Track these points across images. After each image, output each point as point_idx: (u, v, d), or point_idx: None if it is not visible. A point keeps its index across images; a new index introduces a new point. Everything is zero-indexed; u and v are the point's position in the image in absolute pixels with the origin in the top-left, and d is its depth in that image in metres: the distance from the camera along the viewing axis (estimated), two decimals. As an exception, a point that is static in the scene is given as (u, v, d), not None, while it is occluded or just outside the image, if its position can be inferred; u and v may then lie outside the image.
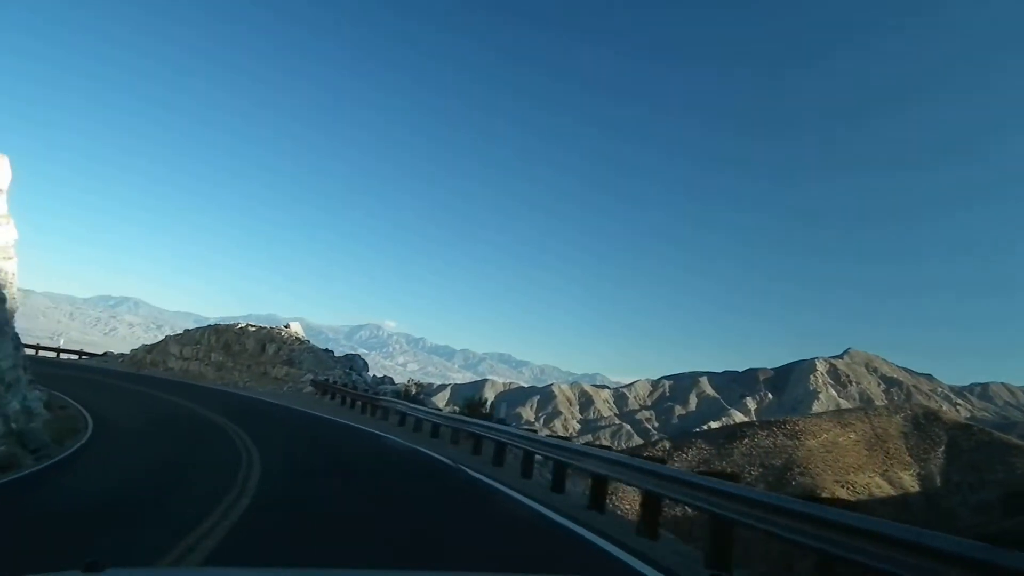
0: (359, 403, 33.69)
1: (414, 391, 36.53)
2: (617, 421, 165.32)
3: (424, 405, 33.50)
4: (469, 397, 38.28)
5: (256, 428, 20.97)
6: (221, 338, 50.32)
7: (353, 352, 49.54)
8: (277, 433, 22.02)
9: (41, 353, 59.72)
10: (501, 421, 27.34)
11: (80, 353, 59.36)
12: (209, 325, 52.51)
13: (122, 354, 57.69)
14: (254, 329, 49.54)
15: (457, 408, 38.68)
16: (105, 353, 59.49)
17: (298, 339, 48.33)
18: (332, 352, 48.19)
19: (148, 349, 55.37)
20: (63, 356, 58.83)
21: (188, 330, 54.58)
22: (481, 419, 24.03)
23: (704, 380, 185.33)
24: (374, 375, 46.80)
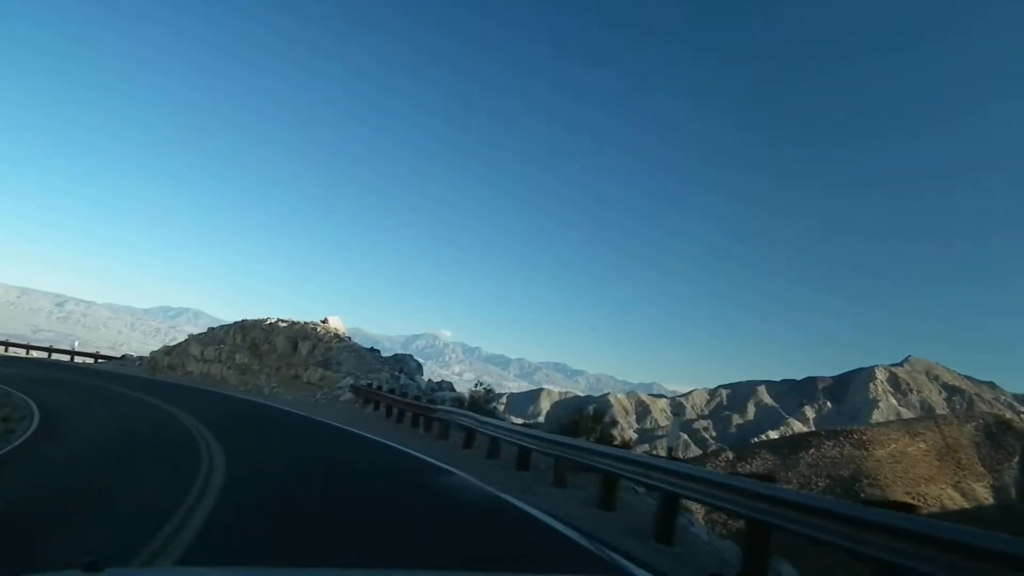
0: (409, 414, 25.22)
1: (481, 397, 27.75)
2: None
3: (497, 417, 24.80)
4: (580, 409, 29.27)
5: (242, 445, 15.34)
6: (247, 336, 42.35)
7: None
8: (270, 451, 15.02)
9: (54, 356, 52.82)
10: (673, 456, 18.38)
11: (96, 356, 52.08)
12: (236, 322, 44.59)
13: (141, 357, 50.24)
14: (285, 325, 41.43)
15: (531, 420, 29.83)
16: (123, 356, 52.13)
17: (337, 336, 40.09)
18: (378, 352, 39.82)
19: (167, 351, 47.72)
20: (77, 360, 51.66)
21: (212, 328, 46.80)
22: (604, 445, 15.18)
23: (762, 389, 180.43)
24: (429, 379, 38.28)
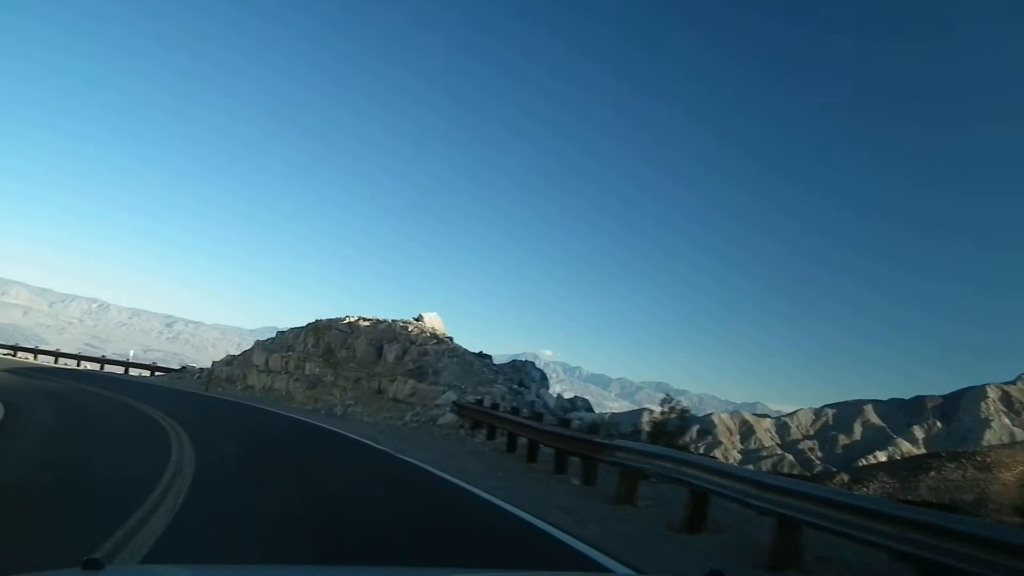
0: (548, 450, 15.06)
1: (672, 426, 16.96)
2: (779, 451, 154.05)
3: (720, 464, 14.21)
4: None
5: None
6: (321, 340, 32.89)
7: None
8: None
9: (107, 368, 44.88)
10: None
11: (153, 368, 43.75)
12: (308, 324, 35.26)
13: (202, 370, 41.59)
14: (367, 324, 31.75)
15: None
16: (183, 368, 43.56)
17: (435, 337, 30.09)
18: (489, 358, 29.59)
19: (228, 361, 38.84)
20: (132, 372, 43.53)
21: (282, 332, 37.61)
22: None
23: (869, 408, 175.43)
24: (559, 394, 27.89)
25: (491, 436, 20.33)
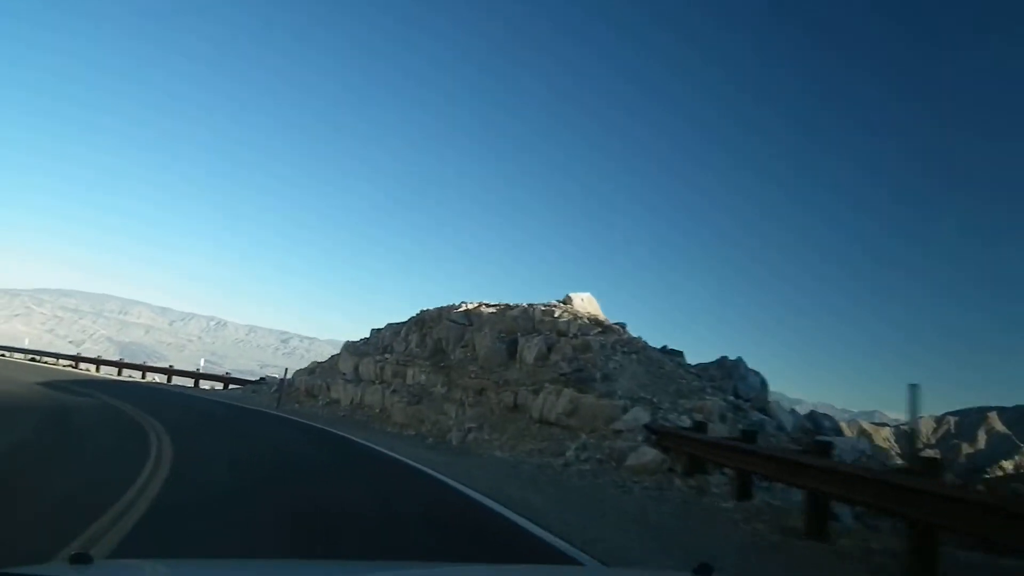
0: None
1: None
2: (899, 461, 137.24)
3: None
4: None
5: None
6: (428, 337, 23.80)
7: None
8: None
9: (175, 379, 37.31)
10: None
11: (226, 380, 35.72)
12: (411, 317, 26.23)
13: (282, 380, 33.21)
14: (492, 312, 22.26)
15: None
16: (262, 380, 35.29)
17: (597, 324, 20.28)
18: (681, 354, 19.63)
19: (311, 369, 30.30)
20: (203, 384, 35.74)
21: (376, 330, 28.72)
22: None
23: (993, 415, 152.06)
24: (793, 409, 17.79)
25: (745, 495, 10.55)
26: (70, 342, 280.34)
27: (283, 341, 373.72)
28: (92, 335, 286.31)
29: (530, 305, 21.46)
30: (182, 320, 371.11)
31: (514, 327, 20.83)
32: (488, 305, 22.69)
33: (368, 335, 29.29)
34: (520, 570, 4.92)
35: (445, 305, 24.21)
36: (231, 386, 34.72)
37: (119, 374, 37.96)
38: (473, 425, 17.58)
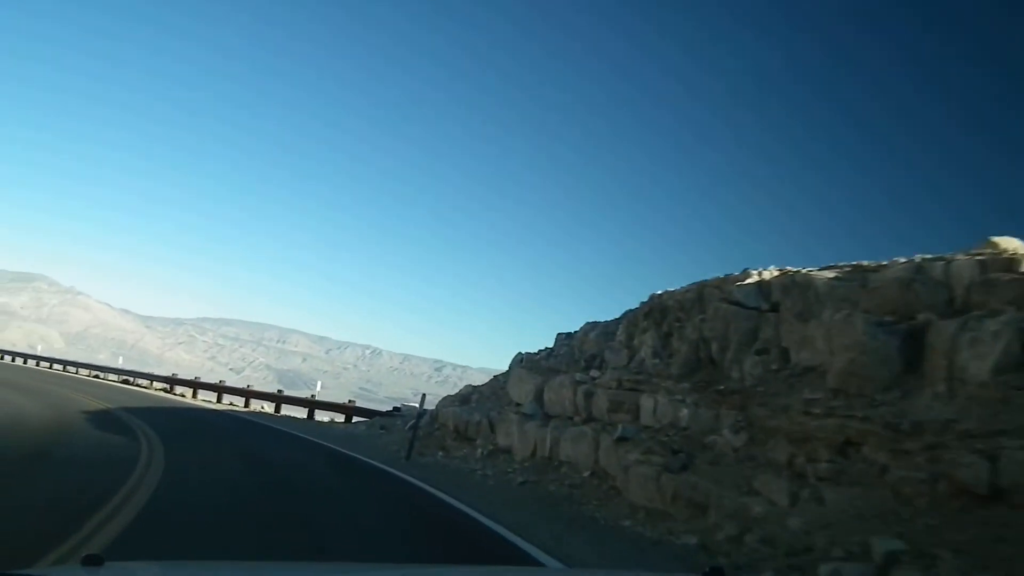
0: None
1: None
2: None
3: None
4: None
5: None
6: (677, 336, 12.74)
7: None
8: None
9: (257, 405, 28.19)
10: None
11: (349, 410, 25.81)
12: (637, 307, 15.34)
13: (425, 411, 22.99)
14: (833, 276, 10.77)
15: None
16: (397, 409, 25.11)
17: None
18: None
19: (464, 396, 20.01)
20: (322, 417, 26.22)
21: (568, 335, 18.01)
22: None
23: None
24: None
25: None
26: (230, 369, 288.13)
27: (436, 369, 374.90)
28: (251, 363, 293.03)
29: (924, 259, 9.88)
30: (338, 348, 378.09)
31: (900, 303, 9.41)
32: (820, 270, 11.19)
33: (552, 344, 18.66)
34: (506, 571, 5.20)
35: (718, 277, 12.97)
36: (355, 419, 24.92)
37: (219, 400, 29.20)
38: (855, 535, 6.33)
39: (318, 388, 29.41)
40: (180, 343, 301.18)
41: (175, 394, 30.92)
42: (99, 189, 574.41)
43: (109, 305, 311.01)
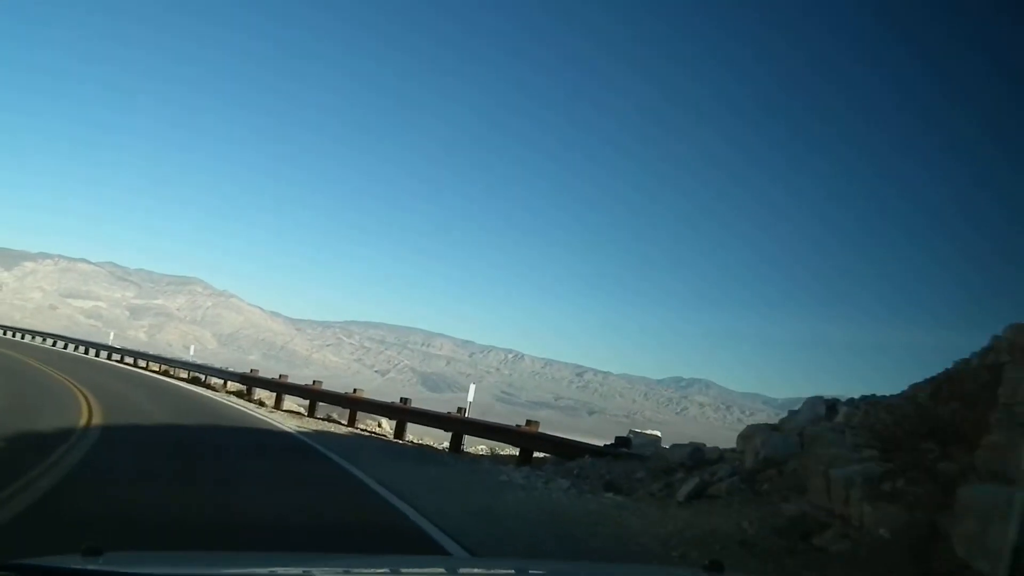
0: None
1: None
2: None
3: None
4: None
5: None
6: None
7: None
8: None
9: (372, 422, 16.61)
10: None
11: (529, 437, 13.99)
12: None
13: (697, 448, 10.81)
14: None
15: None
16: (627, 439, 12.98)
17: None
18: None
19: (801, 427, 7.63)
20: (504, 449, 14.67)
21: None
22: None
23: None
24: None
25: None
26: (376, 371, 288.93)
27: (577, 375, 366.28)
28: (396, 365, 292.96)
29: None
30: (481, 352, 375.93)
31: None
32: None
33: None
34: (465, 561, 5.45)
35: None
36: (534, 453, 13.15)
37: (311, 411, 18.36)
38: None
39: (470, 397, 17.47)
40: (328, 345, 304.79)
41: (252, 400, 20.55)
42: (252, 196, 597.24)
43: (261, 308, 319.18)
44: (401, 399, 17.31)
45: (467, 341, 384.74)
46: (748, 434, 9.44)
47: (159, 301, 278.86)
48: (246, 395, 21.83)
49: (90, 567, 2.07)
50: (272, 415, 17.64)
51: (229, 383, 24.19)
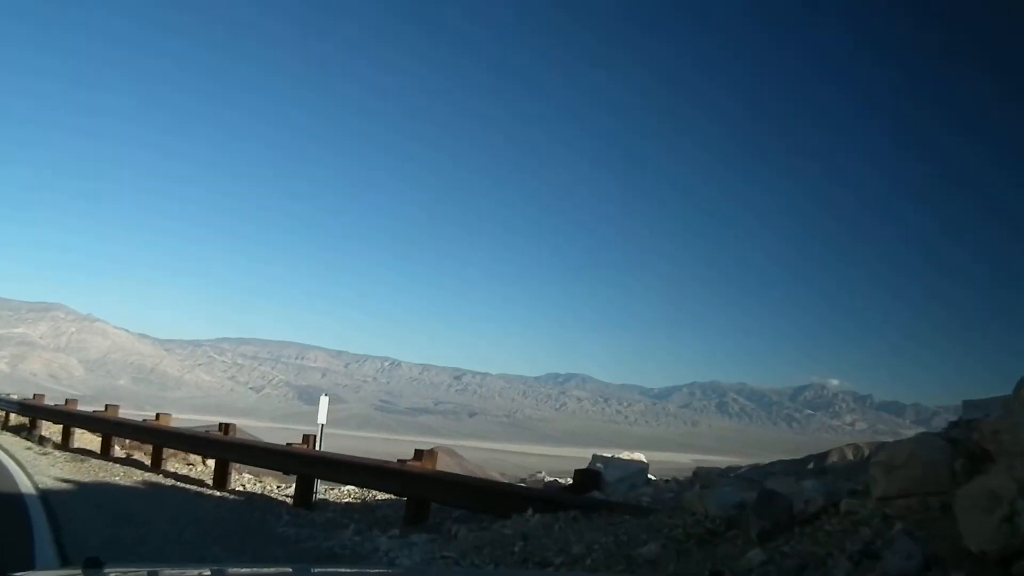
0: None
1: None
2: None
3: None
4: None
5: None
6: None
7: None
8: None
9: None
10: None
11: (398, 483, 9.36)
12: None
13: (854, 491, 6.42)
14: None
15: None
16: (592, 477, 8.74)
17: None
18: None
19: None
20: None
21: None
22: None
23: None
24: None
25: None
26: (250, 388, 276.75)
27: (456, 378, 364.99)
28: (271, 380, 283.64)
29: None
30: (357, 362, 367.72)
31: None
32: None
33: None
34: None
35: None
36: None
37: (103, 449, 13.11)
38: None
39: (321, 417, 12.10)
40: (199, 364, 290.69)
41: (32, 437, 14.97)
42: (110, 216, 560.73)
43: (127, 330, 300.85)
44: (221, 425, 12.18)
45: (341, 351, 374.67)
46: (898, 455, 4.70)
47: (20, 329, 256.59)
48: (28, 430, 16.22)
49: None
50: (39, 461, 12.22)
51: (12, 415, 18.39)
